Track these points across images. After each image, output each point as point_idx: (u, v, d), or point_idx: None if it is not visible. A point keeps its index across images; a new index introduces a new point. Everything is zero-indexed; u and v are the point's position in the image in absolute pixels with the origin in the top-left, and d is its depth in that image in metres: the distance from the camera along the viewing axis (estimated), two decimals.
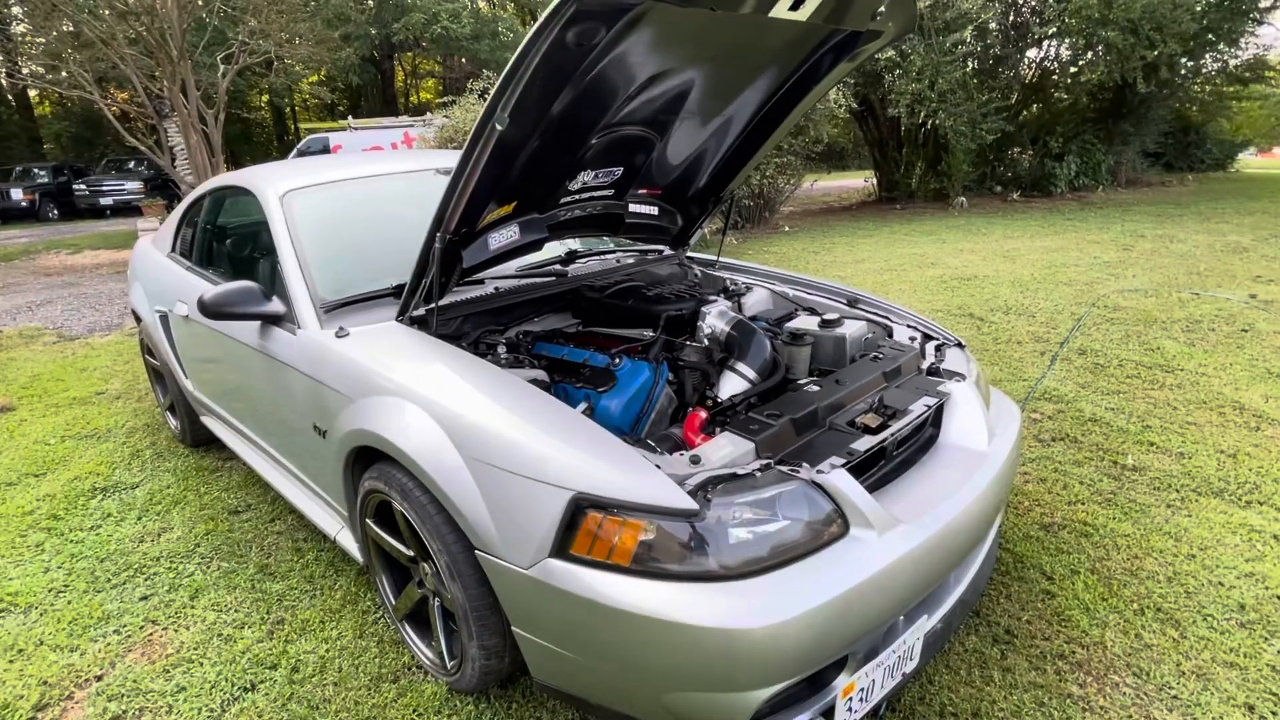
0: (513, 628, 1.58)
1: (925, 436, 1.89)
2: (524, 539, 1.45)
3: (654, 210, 2.66)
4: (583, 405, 1.86)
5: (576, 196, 2.30)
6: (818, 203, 14.23)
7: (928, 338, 2.32)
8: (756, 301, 2.62)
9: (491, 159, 1.68)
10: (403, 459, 1.66)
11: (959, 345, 2.30)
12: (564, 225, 2.38)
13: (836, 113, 10.15)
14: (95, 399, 4.29)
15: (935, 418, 1.92)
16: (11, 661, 2.09)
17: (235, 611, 2.25)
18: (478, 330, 2.20)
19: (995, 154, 12.98)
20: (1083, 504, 2.60)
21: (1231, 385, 3.60)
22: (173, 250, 3.40)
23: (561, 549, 1.42)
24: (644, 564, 1.37)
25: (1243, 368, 3.83)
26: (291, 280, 2.21)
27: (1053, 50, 12.92)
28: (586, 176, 2.25)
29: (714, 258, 2.96)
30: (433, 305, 1.98)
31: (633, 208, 2.56)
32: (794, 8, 1.69)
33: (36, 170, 18.17)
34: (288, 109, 26.49)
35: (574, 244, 2.80)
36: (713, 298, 2.43)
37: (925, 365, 2.14)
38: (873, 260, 7.57)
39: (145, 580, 2.44)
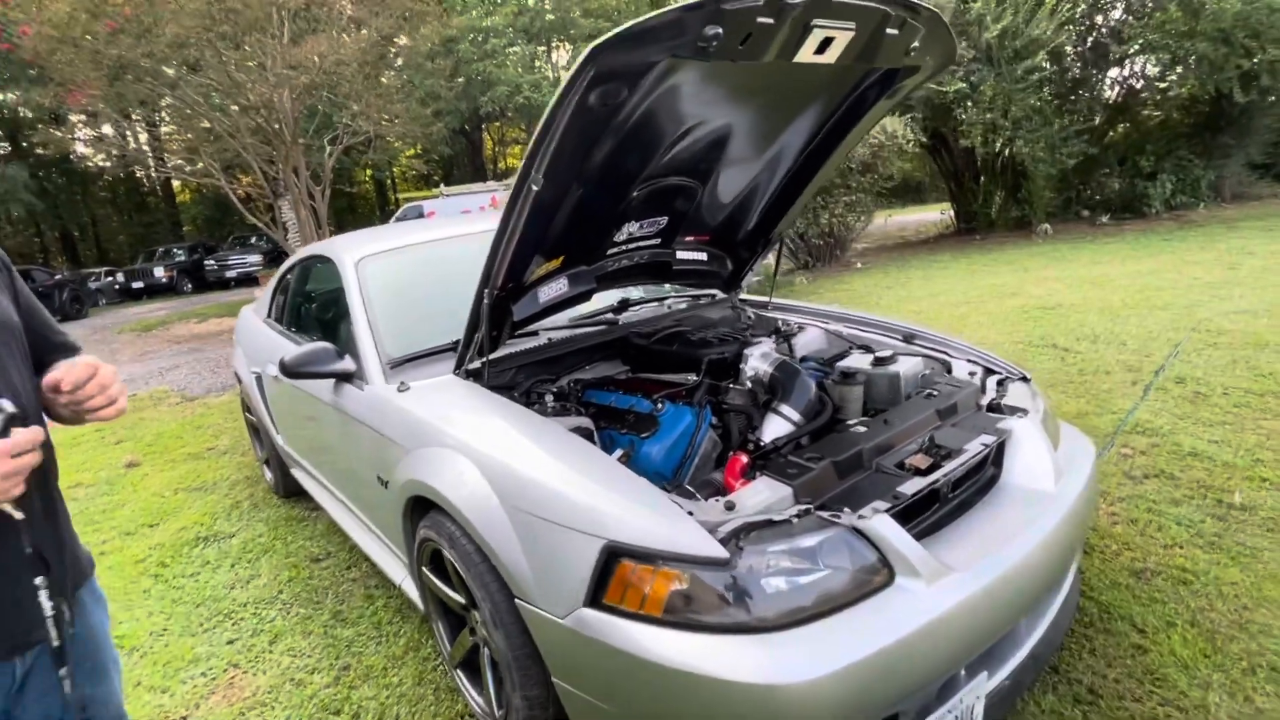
0: (553, 679, 1.58)
1: (985, 477, 1.79)
2: (559, 587, 1.47)
3: (702, 255, 2.69)
4: (618, 452, 1.88)
5: (623, 247, 2.37)
6: (893, 238, 13.90)
7: (989, 372, 2.22)
8: (809, 341, 2.57)
9: (531, 217, 1.76)
10: (448, 507, 1.73)
11: (1024, 379, 2.18)
12: (612, 275, 2.45)
13: (906, 147, 9.97)
14: (206, 454, 4.67)
15: (996, 457, 1.82)
16: None
17: (308, 656, 2.36)
18: (530, 380, 2.28)
19: (1080, 177, 12.31)
20: (1181, 547, 2.37)
21: None
22: (268, 316, 3.71)
23: (595, 598, 1.42)
24: (677, 614, 1.35)
25: None
26: (361, 339, 2.37)
27: (1137, 67, 12.28)
28: (632, 228, 2.31)
29: (766, 299, 2.96)
30: (484, 358, 2.07)
31: (680, 254, 2.60)
32: (819, 52, 1.71)
33: (175, 250, 21.11)
34: (388, 181, 28.71)
35: (628, 292, 2.86)
36: (758, 340, 2.41)
37: (985, 401, 2.05)
38: (950, 293, 7.29)
39: (232, 625, 2.61)
